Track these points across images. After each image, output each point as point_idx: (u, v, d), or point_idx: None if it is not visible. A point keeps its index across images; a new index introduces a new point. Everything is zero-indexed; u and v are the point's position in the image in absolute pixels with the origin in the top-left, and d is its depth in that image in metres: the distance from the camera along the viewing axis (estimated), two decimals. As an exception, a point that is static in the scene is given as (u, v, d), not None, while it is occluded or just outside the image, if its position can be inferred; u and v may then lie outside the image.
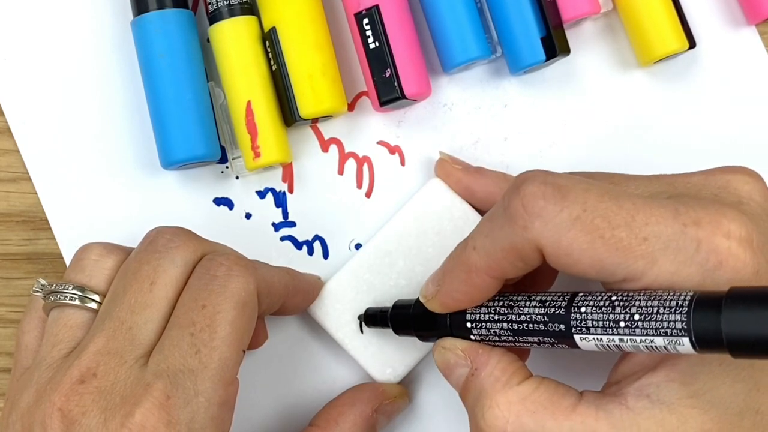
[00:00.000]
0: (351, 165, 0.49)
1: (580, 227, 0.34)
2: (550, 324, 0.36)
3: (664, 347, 0.32)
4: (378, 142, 0.49)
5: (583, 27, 0.49)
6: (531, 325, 0.37)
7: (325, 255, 0.49)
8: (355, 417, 0.45)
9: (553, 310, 0.36)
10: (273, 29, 0.47)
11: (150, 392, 0.36)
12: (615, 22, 0.49)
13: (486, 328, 0.39)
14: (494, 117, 0.49)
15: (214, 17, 0.47)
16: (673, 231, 0.34)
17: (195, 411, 0.36)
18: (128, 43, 0.48)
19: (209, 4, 0.47)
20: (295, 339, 0.48)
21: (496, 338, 0.38)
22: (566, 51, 0.47)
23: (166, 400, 0.36)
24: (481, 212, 0.47)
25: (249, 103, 0.46)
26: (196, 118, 0.46)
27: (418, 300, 0.42)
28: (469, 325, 0.39)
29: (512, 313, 0.37)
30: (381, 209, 0.49)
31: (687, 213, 0.34)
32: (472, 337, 0.39)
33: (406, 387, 0.47)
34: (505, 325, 0.38)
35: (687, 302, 0.31)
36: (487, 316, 0.39)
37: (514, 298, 0.38)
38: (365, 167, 0.49)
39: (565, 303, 0.36)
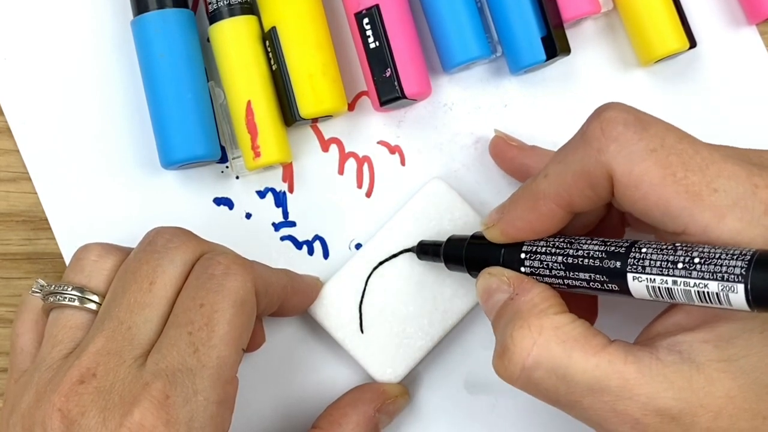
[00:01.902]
0: (351, 165, 0.49)
1: (655, 160, 0.34)
2: (606, 260, 0.36)
3: (717, 294, 0.32)
4: (378, 142, 0.49)
5: (583, 27, 0.49)
6: (586, 261, 0.36)
7: (325, 255, 0.49)
8: (357, 418, 0.45)
9: (613, 248, 0.36)
10: (273, 29, 0.47)
11: (148, 391, 0.36)
12: (615, 22, 0.49)
13: (539, 260, 0.38)
14: (494, 117, 0.49)
15: (214, 17, 0.47)
16: (744, 190, 0.33)
17: (194, 410, 0.36)
18: (128, 43, 0.48)
19: (209, 3, 0.47)
20: (295, 339, 0.48)
21: (547, 272, 0.38)
22: (566, 51, 0.47)
23: (164, 399, 0.36)
24: None
25: (249, 103, 0.46)
26: (196, 118, 0.46)
27: (473, 235, 0.42)
28: (523, 255, 0.39)
29: (570, 248, 0.37)
30: (381, 209, 0.49)
31: (760, 175, 0.34)
32: (523, 269, 0.39)
33: (406, 387, 0.47)
34: (560, 258, 0.37)
35: (749, 253, 0.31)
36: (544, 248, 0.38)
37: (576, 237, 0.38)
38: (365, 167, 0.49)
39: (627, 243, 0.35)
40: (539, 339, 0.36)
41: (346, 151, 0.49)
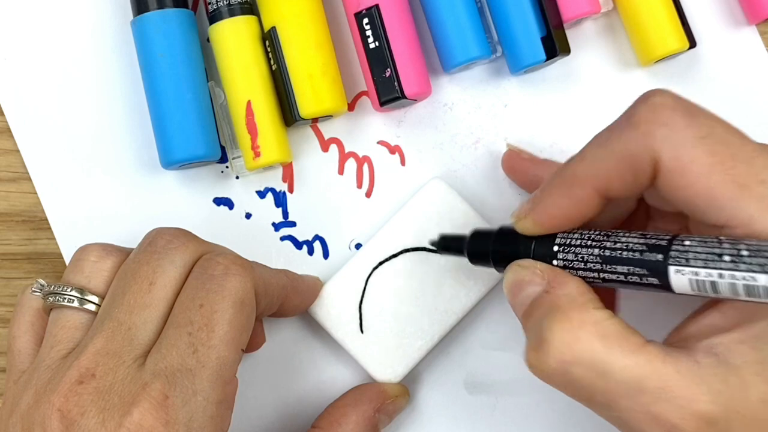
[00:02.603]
0: (351, 165, 0.49)
1: (704, 147, 0.33)
2: (647, 252, 0.34)
3: (766, 288, 0.31)
4: (378, 142, 0.49)
5: (583, 27, 0.49)
6: (625, 253, 0.35)
7: (325, 255, 0.49)
8: (357, 417, 0.45)
9: (654, 241, 0.35)
10: (273, 29, 0.47)
11: (148, 392, 0.36)
12: (615, 22, 0.49)
13: (574, 252, 0.37)
14: (494, 117, 0.49)
15: (214, 17, 0.47)
16: None
17: (193, 410, 0.36)
18: (128, 43, 0.48)
19: (209, 3, 0.47)
20: (295, 339, 0.48)
21: (582, 265, 0.37)
22: (566, 51, 0.47)
23: (164, 399, 0.36)
24: None
25: (249, 103, 0.46)
26: (196, 118, 0.46)
27: (500, 228, 0.40)
28: (555, 248, 0.37)
29: (608, 240, 0.36)
30: (381, 209, 0.49)
31: None
32: (555, 262, 0.38)
33: (406, 387, 0.47)
34: (596, 251, 0.36)
35: None
36: (579, 241, 0.37)
37: (613, 230, 0.36)
38: (365, 167, 0.49)
39: (669, 236, 0.34)
40: (581, 334, 0.34)
41: (346, 151, 0.49)
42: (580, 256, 0.37)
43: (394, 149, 0.49)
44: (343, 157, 0.49)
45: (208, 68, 0.48)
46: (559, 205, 0.37)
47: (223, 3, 0.47)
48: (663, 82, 0.49)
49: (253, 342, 0.45)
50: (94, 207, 0.49)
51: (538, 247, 0.38)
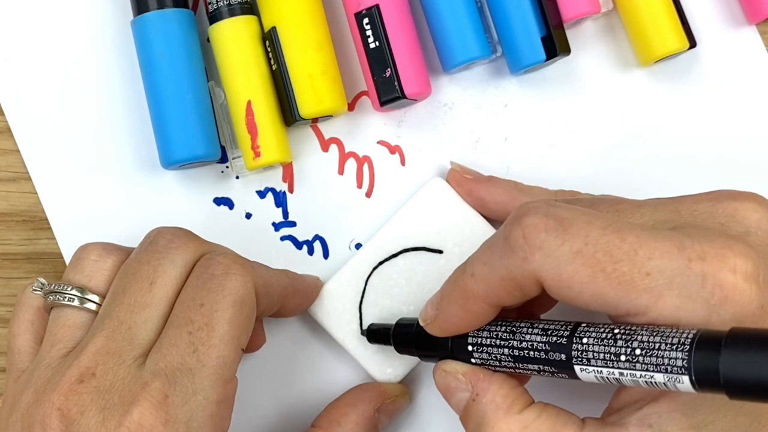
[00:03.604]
0: (351, 165, 0.49)
1: (581, 261, 0.34)
2: (551, 353, 0.36)
3: (664, 384, 0.32)
4: (378, 142, 0.49)
5: (583, 27, 0.49)
6: (532, 353, 0.36)
7: (325, 255, 0.49)
8: (357, 417, 0.45)
9: (555, 339, 0.36)
10: (273, 29, 0.47)
11: (147, 391, 0.36)
12: (615, 22, 0.49)
13: (487, 352, 0.38)
14: (494, 117, 0.49)
15: (214, 17, 0.47)
16: (678, 265, 0.33)
17: (193, 409, 0.36)
18: (128, 42, 0.48)
19: (209, 3, 0.47)
20: (295, 339, 0.48)
21: (497, 363, 0.38)
22: (566, 51, 0.47)
23: (164, 398, 0.36)
24: (493, 222, 0.47)
25: (249, 103, 0.46)
26: (196, 118, 0.46)
27: (418, 323, 0.42)
28: (470, 348, 0.39)
29: (514, 339, 0.37)
30: (381, 209, 0.49)
31: (692, 246, 0.33)
32: (473, 360, 0.39)
33: (406, 387, 0.47)
34: (506, 351, 0.38)
35: (689, 340, 0.31)
36: (488, 340, 0.38)
37: (517, 324, 0.38)
38: (365, 167, 0.49)
39: (568, 333, 0.35)
40: None
41: (346, 151, 0.49)
42: (493, 355, 0.38)
43: (394, 149, 0.49)
44: (343, 157, 0.49)
45: (208, 68, 0.48)
46: (458, 316, 0.39)
47: (223, 3, 0.47)
48: (663, 82, 0.49)
49: (253, 342, 0.45)
50: (94, 207, 0.49)
51: (454, 345, 0.40)
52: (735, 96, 0.49)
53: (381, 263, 0.47)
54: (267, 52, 0.47)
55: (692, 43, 0.47)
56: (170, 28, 0.46)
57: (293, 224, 0.49)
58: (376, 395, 0.45)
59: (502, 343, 0.38)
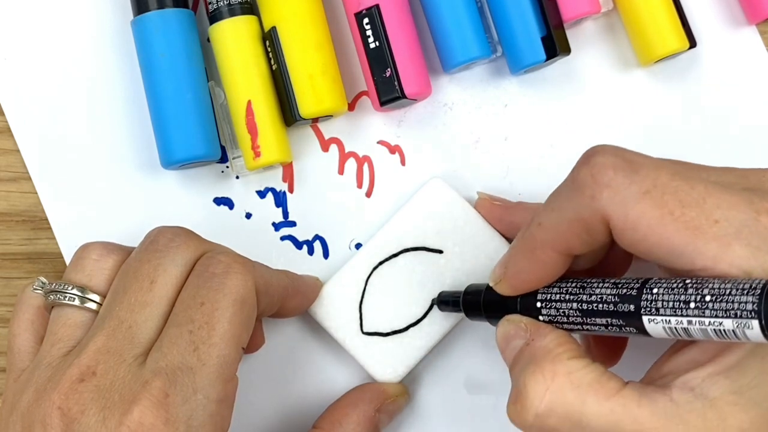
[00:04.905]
0: (351, 165, 0.49)
1: (649, 202, 0.34)
2: (620, 304, 0.35)
3: (733, 331, 0.31)
4: (378, 142, 0.49)
5: (583, 26, 0.49)
6: (601, 305, 0.36)
7: (325, 255, 0.49)
8: (358, 418, 0.45)
9: (625, 291, 0.35)
10: (273, 29, 0.47)
11: (148, 390, 0.36)
12: (615, 22, 0.49)
13: (555, 308, 0.38)
14: (494, 117, 0.49)
15: (215, 17, 0.47)
16: (747, 217, 0.33)
17: (193, 408, 0.36)
18: (128, 42, 0.48)
19: (209, 3, 0.47)
20: (295, 339, 0.48)
21: (565, 319, 0.38)
22: (566, 51, 0.47)
23: (164, 397, 0.36)
24: None
25: (249, 103, 0.46)
26: (197, 118, 0.46)
27: (488, 285, 0.42)
28: (538, 304, 0.39)
29: (583, 293, 0.37)
30: (381, 209, 0.49)
31: (761, 203, 0.33)
32: (541, 317, 0.39)
33: (406, 387, 0.47)
34: (574, 305, 0.37)
35: (761, 285, 0.31)
36: (558, 296, 0.38)
37: (587, 280, 0.38)
38: (365, 167, 0.49)
39: (638, 285, 0.35)
40: (552, 385, 0.35)
41: (346, 151, 0.49)
42: (561, 311, 0.38)
43: (394, 149, 0.49)
44: (343, 157, 0.49)
45: (208, 68, 0.48)
46: (527, 269, 0.39)
47: (223, 3, 0.47)
48: (663, 82, 0.49)
49: (253, 343, 0.45)
50: (94, 207, 0.49)
51: (523, 303, 0.40)
52: (735, 96, 0.49)
53: (381, 263, 0.47)
54: (267, 52, 0.47)
55: (692, 43, 0.47)
56: (170, 28, 0.46)
57: (293, 224, 0.49)
58: (376, 395, 0.45)
59: (571, 297, 0.38)
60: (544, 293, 0.39)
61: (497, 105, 0.49)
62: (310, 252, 0.49)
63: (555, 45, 0.46)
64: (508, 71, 0.49)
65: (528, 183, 0.48)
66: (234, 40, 0.47)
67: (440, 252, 0.47)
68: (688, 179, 0.34)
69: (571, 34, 0.48)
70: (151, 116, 0.47)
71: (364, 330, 0.46)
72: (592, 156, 0.36)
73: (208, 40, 0.48)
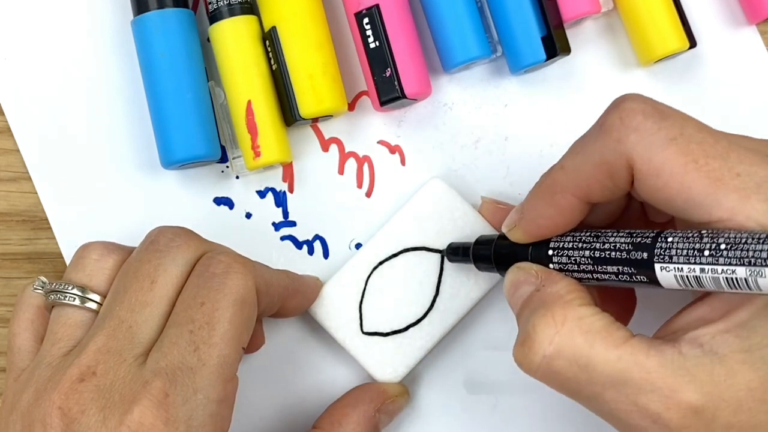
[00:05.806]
0: (351, 165, 0.49)
1: (675, 148, 0.34)
2: (633, 252, 0.35)
3: (745, 279, 0.32)
4: (378, 142, 0.49)
5: (583, 26, 0.49)
6: (613, 253, 0.36)
7: (325, 255, 0.49)
8: (358, 418, 0.45)
9: (639, 239, 0.36)
10: (273, 29, 0.47)
11: (148, 390, 0.36)
12: (615, 22, 0.49)
13: (567, 255, 0.38)
14: (495, 116, 0.49)
15: (215, 17, 0.47)
16: (767, 174, 0.33)
17: (193, 408, 0.36)
18: (128, 42, 0.48)
19: (209, 3, 0.47)
20: (295, 339, 0.48)
21: (575, 267, 0.38)
22: (567, 50, 0.47)
23: (164, 398, 0.36)
24: None
25: (249, 103, 0.46)
26: (197, 118, 0.46)
27: (500, 235, 0.42)
28: (550, 252, 0.39)
29: (597, 242, 0.37)
30: (381, 209, 0.49)
31: None
32: (551, 266, 0.39)
33: (406, 387, 0.47)
34: (587, 252, 0.37)
35: None
36: (570, 243, 0.38)
37: (603, 230, 0.38)
38: (365, 167, 0.49)
39: (653, 234, 0.35)
40: (562, 329, 0.35)
41: (346, 151, 0.49)
42: (573, 258, 0.38)
43: (394, 149, 0.49)
44: (343, 157, 0.49)
45: (208, 68, 0.48)
46: (544, 214, 0.39)
47: (223, 3, 0.47)
48: (663, 82, 0.49)
49: (253, 343, 0.45)
50: (94, 207, 0.49)
51: (534, 251, 0.40)
52: (735, 96, 0.49)
53: (381, 263, 0.47)
54: (267, 52, 0.47)
55: (692, 43, 0.48)
56: (170, 28, 0.46)
57: (293, 224, 0.49)
58: (376, 395, 0.45)
59: (584, 245, 0.38)
60: (557, 241, 0.39)
61: (497, 105, 0.49)
62: (310, 252, 0.49)
63: (555, 45, 0.46)
64: (508, 71, 0.49)
65: (528, 183, 0.47)
66: (234, 40, 0.47)
67: (440, 252, 0.47)
68: (713, 134, 0.35)
69: (571, 34, 0.48)
70: (151, 116, 0.47)
71: (364, 330, 0.46)
72: (622, 102, 0.36)
73: (208, 40, 0.48)
